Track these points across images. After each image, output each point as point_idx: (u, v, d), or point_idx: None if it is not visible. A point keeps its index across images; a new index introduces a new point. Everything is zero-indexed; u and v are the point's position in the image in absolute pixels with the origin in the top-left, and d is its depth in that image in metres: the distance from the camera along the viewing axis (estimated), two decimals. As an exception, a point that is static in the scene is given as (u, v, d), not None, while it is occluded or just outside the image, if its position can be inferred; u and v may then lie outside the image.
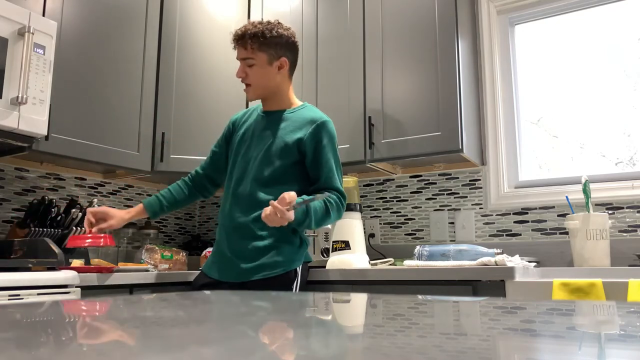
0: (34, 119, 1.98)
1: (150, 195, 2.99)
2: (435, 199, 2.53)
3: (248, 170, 1.83)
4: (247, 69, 1.82)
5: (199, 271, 1.96)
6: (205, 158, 2.65)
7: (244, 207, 1.80)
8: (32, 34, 1.97)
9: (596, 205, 2.17)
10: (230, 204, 1.84)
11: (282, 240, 1.77)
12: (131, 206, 2.87)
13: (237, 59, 1.86)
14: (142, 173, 2.58)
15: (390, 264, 2.18)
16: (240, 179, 1.84)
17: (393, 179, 2.66)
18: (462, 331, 0.39)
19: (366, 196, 2.72)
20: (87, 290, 1.89)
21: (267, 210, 1.58)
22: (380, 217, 2.66)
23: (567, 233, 2.21)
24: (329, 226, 2.23)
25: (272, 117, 1.88)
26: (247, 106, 2.74)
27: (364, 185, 2.72)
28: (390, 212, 2.64)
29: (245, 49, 1.80)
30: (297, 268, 1.79)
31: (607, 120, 2.30)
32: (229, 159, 1.93)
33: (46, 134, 2.03)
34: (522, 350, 0.31)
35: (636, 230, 2.09)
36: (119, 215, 1.88)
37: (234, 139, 1.95)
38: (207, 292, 0.88)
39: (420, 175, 2.59)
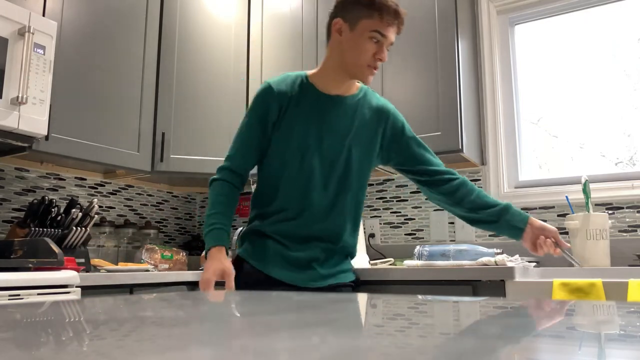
0: (34, 119, 1.98)
1: (151, 196, 2.99)
2: (435, 199, 2.53)
3: (333, 170, 1.57)
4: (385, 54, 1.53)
5: (253, 267, 1.58)
6: (206, 158, 2.67)
7: (328, 211, 1.58)
8: (32, 34, 1.97)
9: (596, 205, 2.17)
10: (310, 213, 1.57)
11: (354, 253, 1.68)
12: (131, 206, 2.87)
13: (382, 35, 1.48)
14: (142, 173, 2.58)
15: (390, 264, 2.18)
16: (325, 180, 1.57)
17: (393, 179, 2.66)
18: (462, 331, 0.39)
19: (366, 196, 2.72)
20: (87, 290, 1.89)
21: (547, 242, 1.52)
22: (380, 217, 2.66)
23: (567, 233, 2.21)
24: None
25: (343, 103, 1.58)
26: (247, 105, 2.74)
27: (364, 185, 2.72)
28: (390, 212, 2.64)
29: (398, 33, 1.53)
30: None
31: (607, 120, 2.30)
32: (284, 151, 1.56)
33: (46, 134, 2.03)
34: (522, 350, 0.31)
35: (636, 230, 2.09)
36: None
37: (287, 122, 1.56)
38: (208, 292, 0.88)
39: (420, 175, 2.59)
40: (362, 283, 1.87)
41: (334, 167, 1.57)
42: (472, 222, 1.64)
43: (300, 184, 1.56)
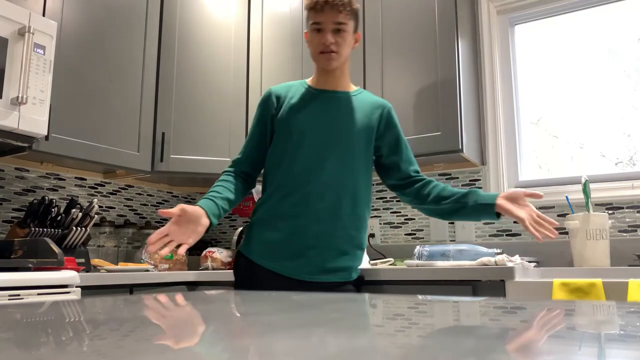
0: (34, 119, 1.98)
1: (151, 196, 2.99)
2: (435, 199, 2.53)
3: (329, 158, 1.63)
4: (334, 36, 1.62)
5: (246, 259, 1.64)
6: (206, 158, 2.67)
7: (324, 191, 1.61)
8: (32, 34, 1.97)
9: (596, 205, 2.17)
10: (308, 195, 1.61)
11: (361, 246, 1.69)
12: (131, 206, 2.87)
13: (318, 23, 1.62)
14: (142, 173, 2.58)
15: (390, 264, 2.18)
16: (318, 167, 1.62)
17: (393, 179, 2.66)
18: (462, 331, 0.39)
19: (372, 184, 2.72)
20: (87, 290, 1.89)
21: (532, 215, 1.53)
22: (380, 217, 2.66)
23: (567, 233, 2.21)
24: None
25: (335, 97, 1.69)
26: (247, 106, 2.74)
27: (364, 185, 2.72)
28: (390, 212, 2.64)
29: (341, 12, 1.61)
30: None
31: (607, 120, 2.30)
32: (283, 141, 1.66)
33: (46, 134, 2.03)
34: (522, 350, 0.31)
35: (636, 230, 2.09)
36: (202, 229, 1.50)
37: (282, 116, 1.67)
38: (207, 292, 0.88)
39: (420, 175, 2.59)
40: (365, 283, 1.87)
41: (329, 151, 1.64)
42: (444, 214, 1.67)
43: (299, 166, 1.63)
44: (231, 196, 1.61)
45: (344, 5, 1.62)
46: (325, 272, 1.60)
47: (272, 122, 1.70)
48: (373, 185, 2.70)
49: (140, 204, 2.92)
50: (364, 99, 1.74)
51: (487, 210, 1.59)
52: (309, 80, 1.76)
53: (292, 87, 1.74)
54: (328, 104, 1.69)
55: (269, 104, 1.71)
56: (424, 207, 1.71)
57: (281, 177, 1.64)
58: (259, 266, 1.61)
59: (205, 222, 1.49)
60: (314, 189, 1.61)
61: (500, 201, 1.58)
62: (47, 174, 2.50)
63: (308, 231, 1.59)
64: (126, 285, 2.01)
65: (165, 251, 1.39)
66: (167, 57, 2.65)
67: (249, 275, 1.63)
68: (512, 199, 1.59)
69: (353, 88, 1.76)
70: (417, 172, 1.75)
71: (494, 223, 2.38)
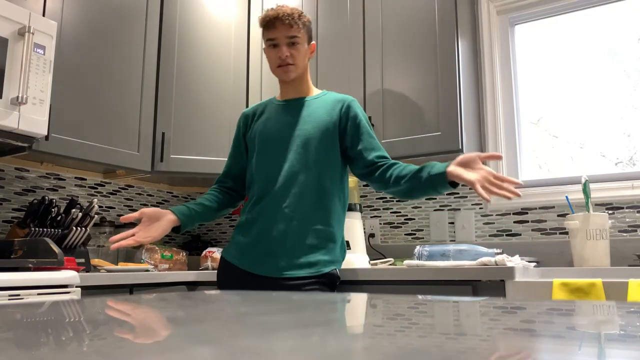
0: (34, 119, 1.98)
1: (151, 196, 2.99)
2: (435, 199, 2.53)
3: (289, 160, 1.72)
4: (289, 49, 1.74)
5: (224, 259, 1.79)
6: (206, 158, 2.67)
7: (288, 190, 1.70)
8: (32, 34, 1.97)
9: (596, 205, 2.17)
10: (272, 197, 1.71)
11: (332, 239, 1.72)
12: (131, 206, 2.87)
13: (273, 39, 1.74)
14: (142, 173, 2.58)
15: (390, 264, 2.18)
16: (279, 170, 1.73)
17: (393, 179, 2.65)
18: (462, 331, 0.39)
19: (366, 196, 2.72)
20: (87, 290, 1.89)
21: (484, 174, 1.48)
22: (380, 217, 2.66)
23: (567, 233, 2.22)
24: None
25: (297, 104, 1.81)
26: (247, 106, 2.74)
27: (363, 185, 2.72)
28: (390, 212, 2.64)
29: (292, 27, 1.73)
30: (338, 269, 1.75)
31: (607, 120, 2.30)
32: (254, 154, 1.80)
33: (46, 134, 2.03)
34: (522, 350, 0.31)
35: (636, 230, 2.09)
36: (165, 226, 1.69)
37: (252, 133, 1.83)
38: (207, 292, 0.88)
39: (420, 175, 2.59)
40: (362, 283, 1.87)
41: (288, 152, 1.74)
42: (405, 193, 1.65)
43: (264, 173, 1.76)
44: (207, 203, 1.80)
45: (294, 19, 1.73)
46: (295, 268, 1.66)
47: (244, 140, 1.88)
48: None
49: (140, 204, 2.92)
50: (326, 99, 1.81)
51: (440, 180, 1.55)
52: (277, 96, 1.89)
53: (261, 104, 1.90)
54: (289, 111, 1.80)
55: (240, 126, 1.91)
56: (389, 190, 1.70)
57: (255, 187, 1.77)
58: (233, 266, 1.74)
59: (171, 217, 1.68)
60: (278, 191, 1.71)
61: (451, 168, 1.53)
62: (47, 174, 2.50)
63: (275, 230, 1.69)
64: (126, 286, 2.01)
65: (126, 243, 1.56)
66: (167, 57, 2.65)
67: (224, 274, 1.77)
68: (465, 163, 1.53)
69: (316, 92, 1.85)
70: (382, 157, 1.73)
71: (494, 223, 2.38)
